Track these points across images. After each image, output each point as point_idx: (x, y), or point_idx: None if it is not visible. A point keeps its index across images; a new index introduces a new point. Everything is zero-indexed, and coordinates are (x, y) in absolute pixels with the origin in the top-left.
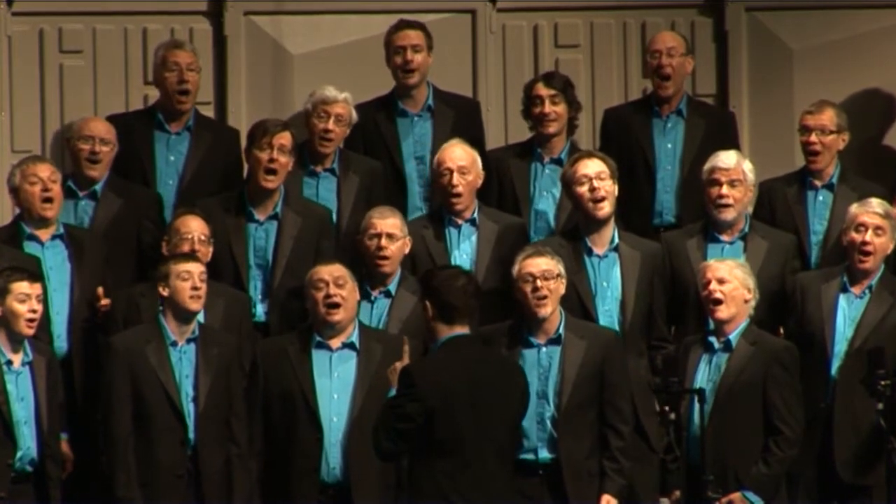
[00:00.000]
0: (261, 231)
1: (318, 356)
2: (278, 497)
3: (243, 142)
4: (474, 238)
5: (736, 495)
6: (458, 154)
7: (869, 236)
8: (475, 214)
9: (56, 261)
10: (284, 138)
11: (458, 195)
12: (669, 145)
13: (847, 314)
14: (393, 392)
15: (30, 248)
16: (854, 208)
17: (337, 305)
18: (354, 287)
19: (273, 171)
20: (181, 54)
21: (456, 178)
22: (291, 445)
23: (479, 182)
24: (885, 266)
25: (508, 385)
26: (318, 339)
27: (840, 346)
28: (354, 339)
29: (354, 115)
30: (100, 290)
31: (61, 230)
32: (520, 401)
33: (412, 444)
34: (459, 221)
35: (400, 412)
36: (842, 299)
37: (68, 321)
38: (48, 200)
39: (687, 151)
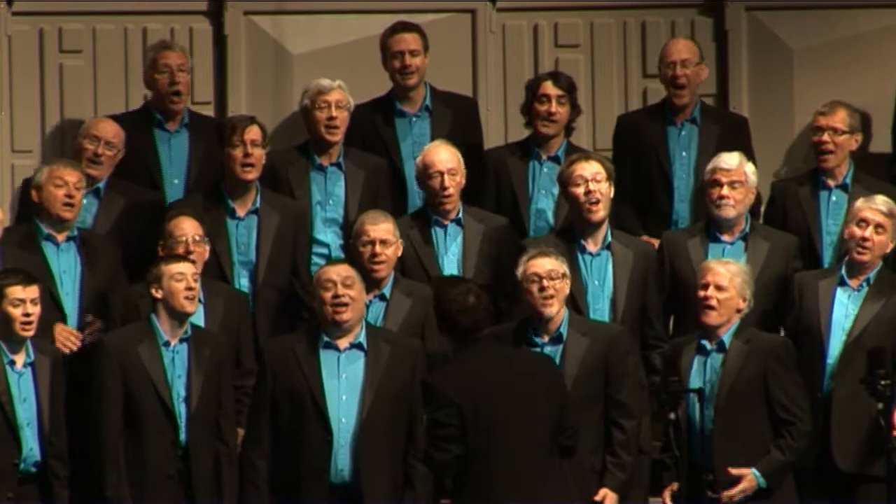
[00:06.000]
0: (242, 227)
1: (326, 356)
2: (287, 498)
3: None
4: (460, 238)
5: (746, 471)
6: (446, 156)
7: (869, 232)
8: (460, 214)
9: (69, 264)
10: (254, 132)
11: (450, 196)
12: (684, 153)
13: (845, 307)
14: None
15: (46, 248)
16: (859, 203)
17: (345, 305)
18: (362, 287)
19: (250, 165)
20: (171, 55)
21: (447, 180)
22: (300, 447)
23: (464, 181)
24: (882, 263)
25: (535, 379)
26: (326, 339)
27: (837, 338)
28: (362, 339)
29: (351, 100)
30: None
31: (75, 232)
32: (551, 393)
33: (462, 446)
34: (445, 222)
35: (436, 420)
36: (839, 293)
37: (78, 325)
38: (69, 205)
39: (701, 159)
